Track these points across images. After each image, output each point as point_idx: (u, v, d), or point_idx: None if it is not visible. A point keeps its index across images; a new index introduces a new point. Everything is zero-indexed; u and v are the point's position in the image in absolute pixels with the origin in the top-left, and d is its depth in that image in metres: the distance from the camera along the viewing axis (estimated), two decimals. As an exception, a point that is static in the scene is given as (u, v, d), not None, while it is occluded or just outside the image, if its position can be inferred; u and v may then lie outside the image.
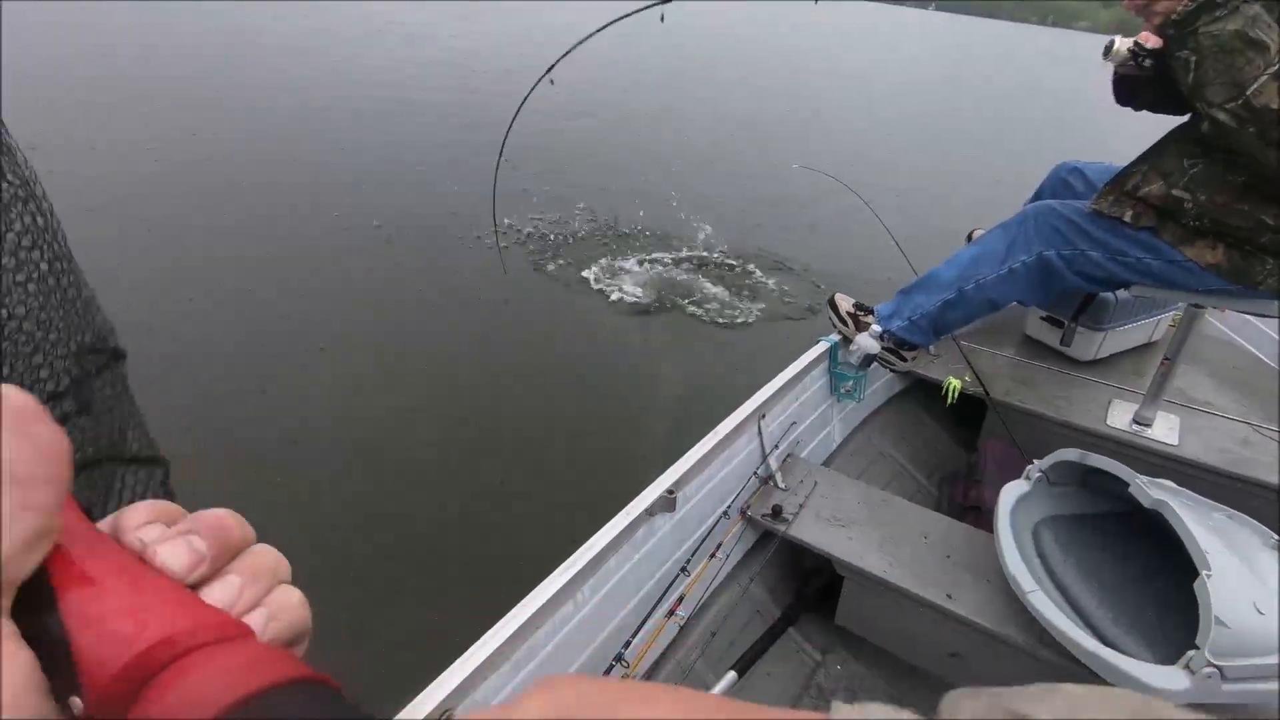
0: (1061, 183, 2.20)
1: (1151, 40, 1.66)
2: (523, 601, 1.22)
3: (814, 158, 8.10)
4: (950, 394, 2.29)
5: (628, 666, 1.32)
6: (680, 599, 1.50)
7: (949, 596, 1.55)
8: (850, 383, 2.16)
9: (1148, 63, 1.71)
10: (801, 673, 1.74)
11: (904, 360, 2.18)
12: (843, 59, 22.43)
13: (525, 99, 2.00)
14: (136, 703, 0.21)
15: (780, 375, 1.96)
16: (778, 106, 12.06)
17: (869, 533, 1.75)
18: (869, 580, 1.64)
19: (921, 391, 2.54)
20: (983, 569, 1.60)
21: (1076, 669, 1.34)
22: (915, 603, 1.58)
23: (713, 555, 1.63)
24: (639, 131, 8.83)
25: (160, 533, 0.25)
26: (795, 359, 2.05)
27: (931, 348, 2.51)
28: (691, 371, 3.70)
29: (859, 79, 17.98)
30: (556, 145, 7.10)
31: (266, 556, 0.26)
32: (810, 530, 1.75)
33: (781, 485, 1.87)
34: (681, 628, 1.53)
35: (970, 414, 2.47)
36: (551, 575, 1.27)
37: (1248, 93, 1.32)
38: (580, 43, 1.92)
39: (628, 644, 1.34)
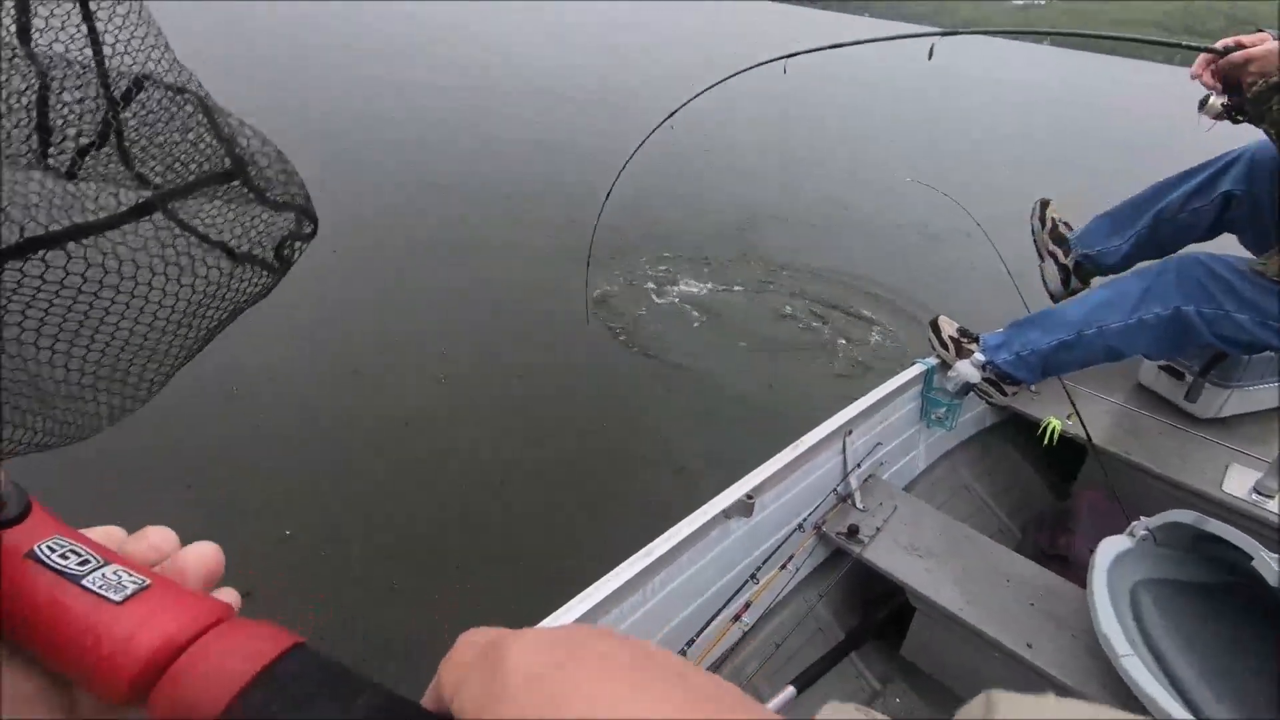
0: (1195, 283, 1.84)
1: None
2: (595, 584, 1.23)
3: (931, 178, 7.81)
4: (1049, 435, 2.17)
5: (689, 664, 1.32)
6: (747, 605, 1.49)
7: (1029, 646, 1.48)
8: (943, 410, 2.08)
9: (1240, 118, 1.60)
10: (859, 699, 1.70)
11: (1004, 395, 2.08)
12: (963, 94, 21.44)
13: (639, 145, 1.93)
14: (149, 701, 0.23)
15: (871, 393, 1.91)
16: (900, 134, 11.65)
17: (947, 566, 1.69)
18: (942, 615, 1.58)
19: (1016, 428, 2.42)
20: (1068, 622, 1.52)
21: None
22: (991, 646, 1.51)
23: (783, 566, 1.61)
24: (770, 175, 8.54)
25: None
26: (889, 377, 1.99)
27: (1033, 385, 2.39)
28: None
29: (983, 113, 17.13)
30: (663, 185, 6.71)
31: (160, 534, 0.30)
32: (885, 555, 1.70)
33: (860, 505, 1.82)
34: (745, 634, 1.52)
35: (1067, 458, 2.34)
36: (625, 562, 1.28)
37: None
38: (700, 93, 1.84)
39: (691, 641, 1.35)
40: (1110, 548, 1.49)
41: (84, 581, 0.25)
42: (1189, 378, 2.31)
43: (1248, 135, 1.70)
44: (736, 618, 1.47)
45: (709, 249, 5.18)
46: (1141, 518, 1.56)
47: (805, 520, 1.69)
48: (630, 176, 1.91)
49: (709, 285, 4.65)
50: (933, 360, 2.08)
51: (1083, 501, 2.12)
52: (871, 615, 1.80)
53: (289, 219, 0.40)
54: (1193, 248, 1.87)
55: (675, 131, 1.88)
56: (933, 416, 2.11)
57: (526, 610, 1.18)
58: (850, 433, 1.82)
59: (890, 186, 7.15)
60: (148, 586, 0.25)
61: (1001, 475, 2.41)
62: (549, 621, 1.15)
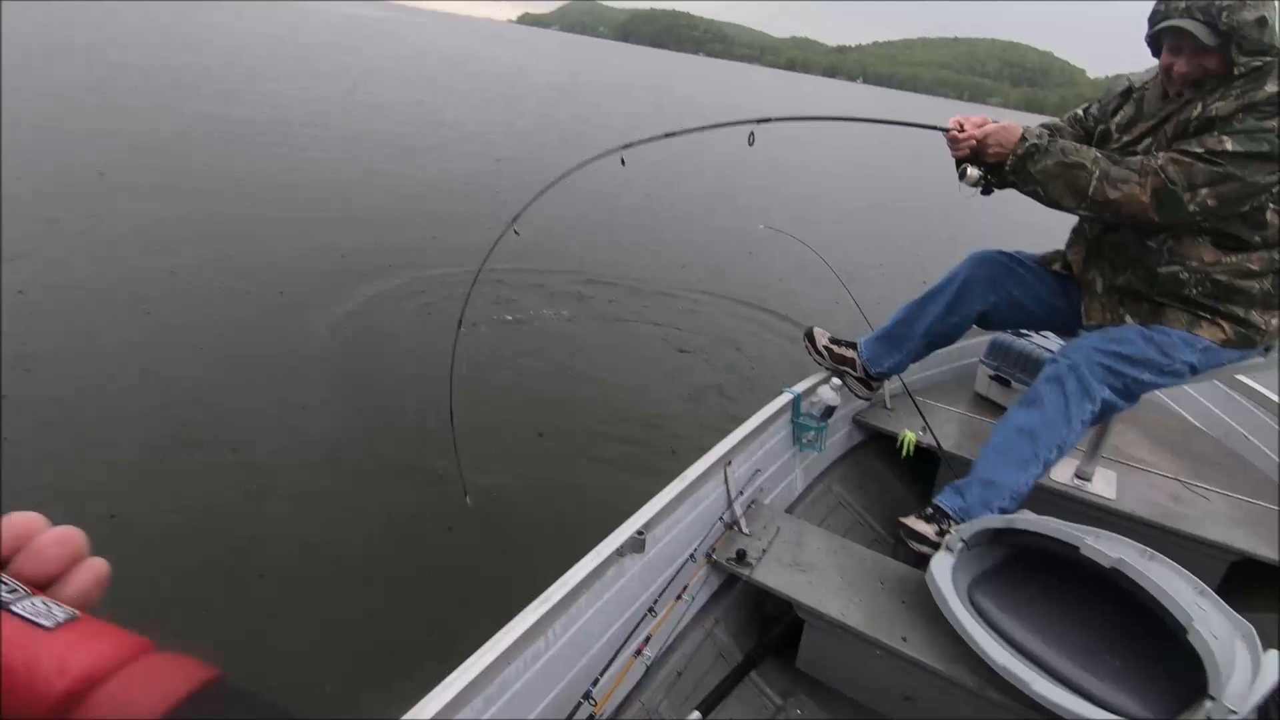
0: (1002, 268, 2.16)
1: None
2: (495, 637, 1.24)
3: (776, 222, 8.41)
4: (906, 447, 2.40)
5: (594, 705, 1.34)
6: (647, 639, 1.54)
7: (904, 639, 1.61)
8: (812, 433, 2.26)
9: (992, 180, 1.94)
10: (762, 716, 1.77)
11: (869, 390, 2.36)
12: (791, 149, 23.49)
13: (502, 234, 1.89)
14: None
15: (746, 424, 2.04)
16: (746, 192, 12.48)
17: (829, 578, 1.82)
18: (828, 624, 1.70)
19: (879, 443, 2.65)
20: (935, 614, 1.68)
21: (1026, 712, 1.41)
22: (872, 646, 1.63)
23: (679, 597, 1.67)
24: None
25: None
26: (760, 408, 2.14)
27: (888, 403, 2.64)
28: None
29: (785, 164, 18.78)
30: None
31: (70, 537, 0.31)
32: (773, 575, 1.81)
33: (746, 530, 1.93)
34: (648, 668, 1.56)
35: (925, 466, 2.58)
36: (524, 611, 1.30)
37: (1090, 195, 1.72)
38: (536, 197, 1.87)
39: (595, 681, 1.37)
40: (940, 565, 1.65)
41: (14, 608, 0.26)
42: (1014, 385, 2.63)
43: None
44: (638, 653, 1.51)
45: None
46: (954, 528, 1.75)
47: (696, 550, 1.76)
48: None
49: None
50: (797, 389, 2.26)
51: (941, 504, 2.34)
52: (766, 633, 1.89)
53: None
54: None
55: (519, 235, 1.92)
56: (804, 440, 2.28)
57: (425, 670, 1.18)
58: (730, 463, 1.93)
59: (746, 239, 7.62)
60: (77, 618, 0.26)
61: (872, 488, 2.62)
62: (454, 678, 1.15)
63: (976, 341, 2.97)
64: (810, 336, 2.43)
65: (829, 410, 2.20)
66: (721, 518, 1.89)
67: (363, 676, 2.07)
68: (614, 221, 7.51)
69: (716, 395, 4.13)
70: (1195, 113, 1.70)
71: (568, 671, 1.38)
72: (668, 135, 1.95)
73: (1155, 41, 1.78)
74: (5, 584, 0.27)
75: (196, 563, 2.37)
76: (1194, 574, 1.48)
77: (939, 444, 2.32)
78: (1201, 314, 1.82)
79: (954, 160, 1.94)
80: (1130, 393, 1.85)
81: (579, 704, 1.32)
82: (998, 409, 2.65)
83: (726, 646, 1.85)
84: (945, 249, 8.49)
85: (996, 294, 2.12)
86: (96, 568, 0.31)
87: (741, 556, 1.82)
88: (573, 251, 6.12)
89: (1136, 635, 1.46)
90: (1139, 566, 1.37)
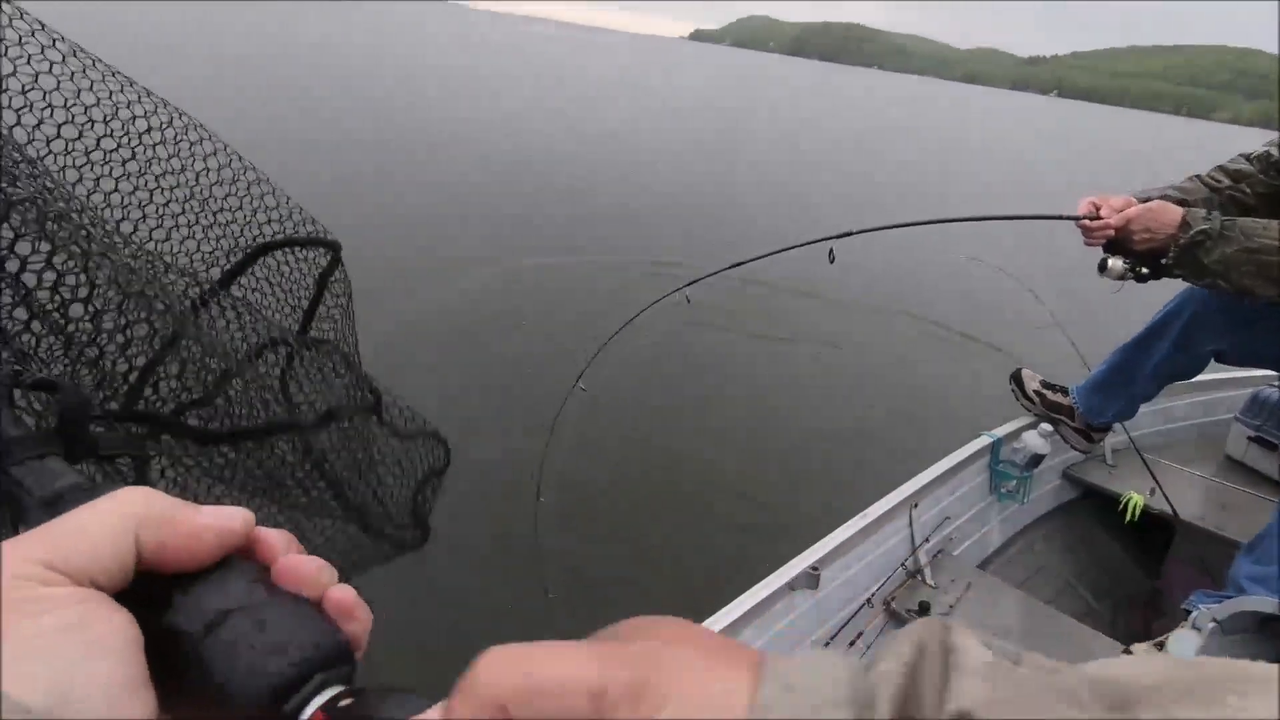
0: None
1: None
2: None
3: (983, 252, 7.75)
4: (1131, 511, 2.08)
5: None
6: (815, 683, 1.46)
7: None
8: (1013, 483, 2.03)
9: (1145, 271, 1.62)
10: None
11: (1090, 442, 2.11)
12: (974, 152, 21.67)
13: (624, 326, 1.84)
14: None
15: (936, 465, 1.89)
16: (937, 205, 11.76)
17: (1029, 648, 1.60)
18: None
19: (1095, 503, 2.32)
20: None
21: None
22: None
23: (852, 644, 1.57)
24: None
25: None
26: (954, 449, 1.97)
27: (1109, 458, 2.32)
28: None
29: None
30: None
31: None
32: None
33: (930, 582, 1.77)
34: (815, 714, 1.48)
35: (1155, 536, 2.22)
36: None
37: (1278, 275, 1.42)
38: (718, 271, 1.82)
39: None
40: (1183, 646, 1.40)
41: None
42: (1282, 448, 2.20)
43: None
44: (805, 695, 1.43)
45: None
46: (1201, 606, 1.47)
47: (874, 595, 1.65)
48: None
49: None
50: (998, 432, 2.05)
51: (1176, 581, 2.00)
52: (950, 699, 1.72)
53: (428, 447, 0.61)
54: None
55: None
56: (1003, 490, 2.06)
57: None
58: (916, 505, 1.79)
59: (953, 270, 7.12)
60: None
61: (1084, 553, 2.29)
62: None
63: (1231, 395, 2.52)
64: (1018, 380, 2.20)
65: (1036, 459, 1.97)
66: (904, 564, 1.75)
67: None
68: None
69: (903, 429, 3.89)
70: None
71: None
72: (734, 265, 1.81)
73: None
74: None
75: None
76: None
77: (1175, 511, 1.99)
78: None
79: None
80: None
81: None
82: (1257, 477, 2.21)
83: None
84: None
85: (1234, 327, 1.76)
86: (365, 615, 0.28)
87: (924, 609, 1.68)
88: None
89: None
90: None
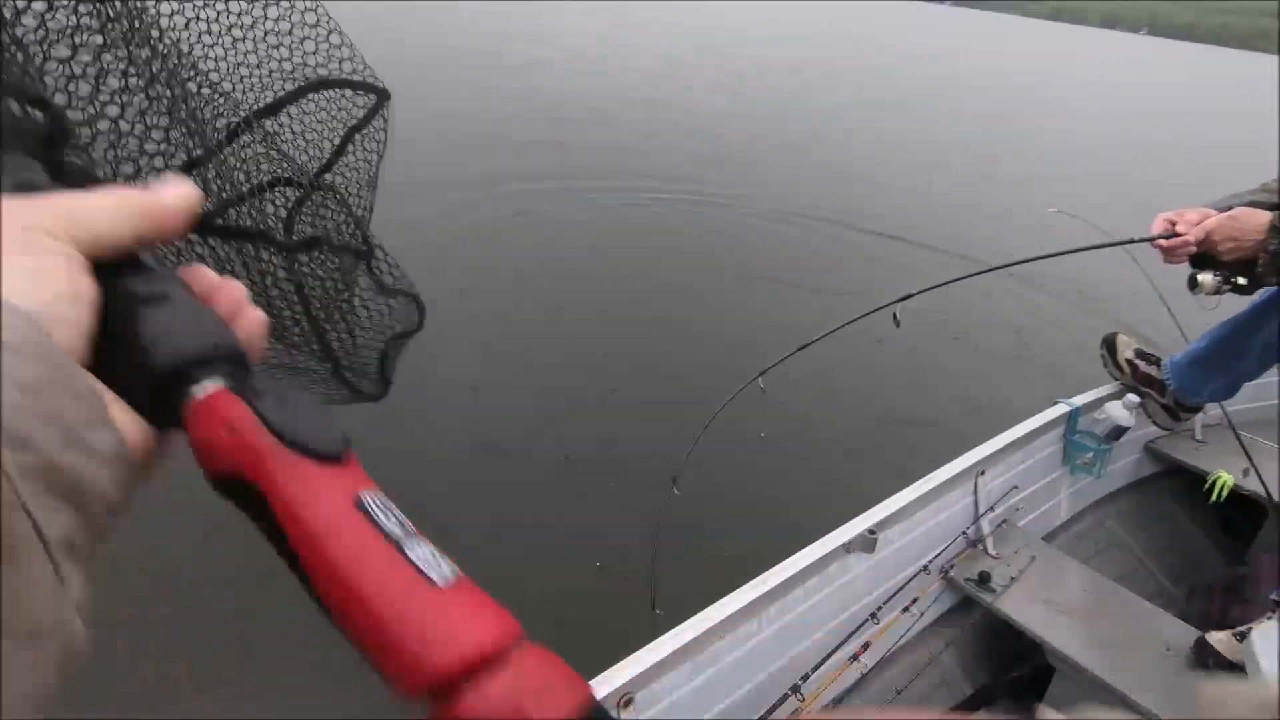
0: None
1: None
2: (709, 608, 1.23)
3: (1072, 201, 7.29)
4: (1218, 490, 1.95)
5: (802, 700, 1.27)
6: (866, 645, 1.43)
7: None
8: (1090, 455, 1.91)
9: (1243, 282, 1.48)
10: None
11: (1177, 420, 1.98)
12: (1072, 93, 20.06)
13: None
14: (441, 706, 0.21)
15: (1007, 433, 1.79)
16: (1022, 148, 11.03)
17: (1094, 626, 1.54)
18: (1089, 680, 1.44)
19: (1178, 480, 2.18)
20: None
21: None
22: (1143, 717, 1.36)
23: (906, 609, 1.53)
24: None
25: None
26: (1027, 417, 1.86)
27: (1199, 434, 2.16)
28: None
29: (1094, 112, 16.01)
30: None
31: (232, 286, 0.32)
32: (1021, 608, 1.58)
33: (992, 552, 1.70)
34: (863, 675, 1.45)
35: (1242, 518, 2.08)
36: (740, 589, 1.26)
37: None
38: (795, 352, 1.63)
39: (806, 677, 1.30)
40: (1269, 640, 1.30)
41: (407, 551, 0.23)
42: (1400, 433, 2.00)
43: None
44: (854, 657, 1.40)
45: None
46: None
47: (931, 562, 1.60)
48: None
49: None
50: (1076, 401, 1.93)
51: (1262, 568, 1.87)
52: (1005, 672, 1.67)
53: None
54: None
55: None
56: (1078, 462, 1.95)
57: (634, 625, 1.20)
58: (983, 473, 1.71)
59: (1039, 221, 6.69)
60: (459, 579, 0.23)
61: (1160, 532, 2.17)
62: (665, 640, 1.15)
63: (1342, 371, 2.31)
64: (1110, 345, 2.05)
65: (1118, 431, 1.85)
66: (965, 532, 1.69)
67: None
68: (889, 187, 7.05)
69: (982, 390, 3.74)
70: None
71: (777, 659, 1.33)
72: (801, 348, 1.63)
73: None
74: (393, 515, 0.24)
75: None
76: None
77: (1269, 493, 1.84)
78: None
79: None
80: None
81: (786, 696, 1.26)
82: (1366, 461, 2.03)
83: (954, 675, 1.66)
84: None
85: None
86: (258, 317, 0.32)
87: (984, 580, 1.61)
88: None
89: None
90: None
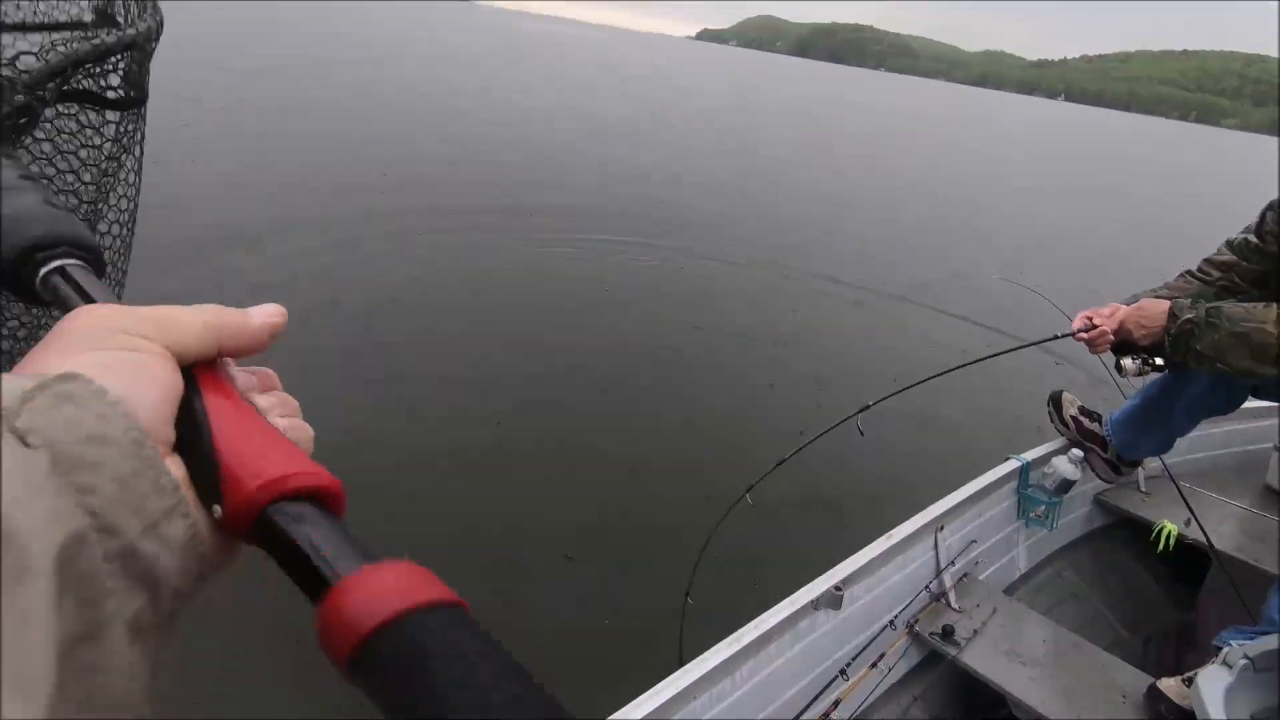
0: None
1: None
2: (685, 667, 1.26)
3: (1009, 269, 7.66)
4: (1164, 540, 2.05)
5: (776, 759, 1.30)
6: (836, 703, 1.46)
7: None
8: (1042, 508, 2.01)
9: (1159, 362, 1.69)
10: None
11: (1118, 474, 2.09)
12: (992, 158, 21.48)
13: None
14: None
15: (963, 488, 1.87)
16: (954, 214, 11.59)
17: (1055, 678, 1.59)
18: None
19: (1127, 531, 2.28)
20: None
21: None
22: None
23: (874, 665, 1.57)
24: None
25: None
26: (982, 473, 1.95)
27: (1142, 485, 2.28)
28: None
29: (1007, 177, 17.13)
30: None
31: (291, 401, 0.36)
32: (985, 661, 1.63)
33: (955, 605, 1.76)
34: (836, 733, 1.47)
35: (1190, 567, 2.18)
36: (714, 648, 1.30)
37: (1275, 356, 1.45)
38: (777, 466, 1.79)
39: (780, 736, 1.33)
40: (1212, 684, 1.37)
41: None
42: (1326, 481, 2.14)
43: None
44: (825, 715, 1.43)
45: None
46: (1232, 642, 1.44)
47: (897, 617, 1.64)
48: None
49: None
50: (1026, 457, 2.03)
51: (1210, 614, 1.95)
52: (972, 725, 1.70)
53: None
54: None
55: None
56: (1032, 515, 2.04)
57: (616, 690, 1.22)
58: (942, 528, 1.78)
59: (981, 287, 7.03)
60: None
61: (1115, 582, 2.25)
62: (643, 700, 1.18)
63: (1270, 424, 2.46)
64: (1057, 402, 2.18)
65: (1066, 484, 1.94)
66: (929, 586, 1.74)
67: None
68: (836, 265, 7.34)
69: (932, 449, 3.85)
70: None
71: (752, 717, 1.35)
72: (779, 463, 1.82)
73: None
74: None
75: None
76: None
77: (1210, 542, 1.95)
78: None
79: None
80: None
81: None
82: (1299, 510, 2.16)
83: None
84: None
85: None
86: (307, 432, 0.35)
87: (949, 634, 1.67)
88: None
89: None
90: None
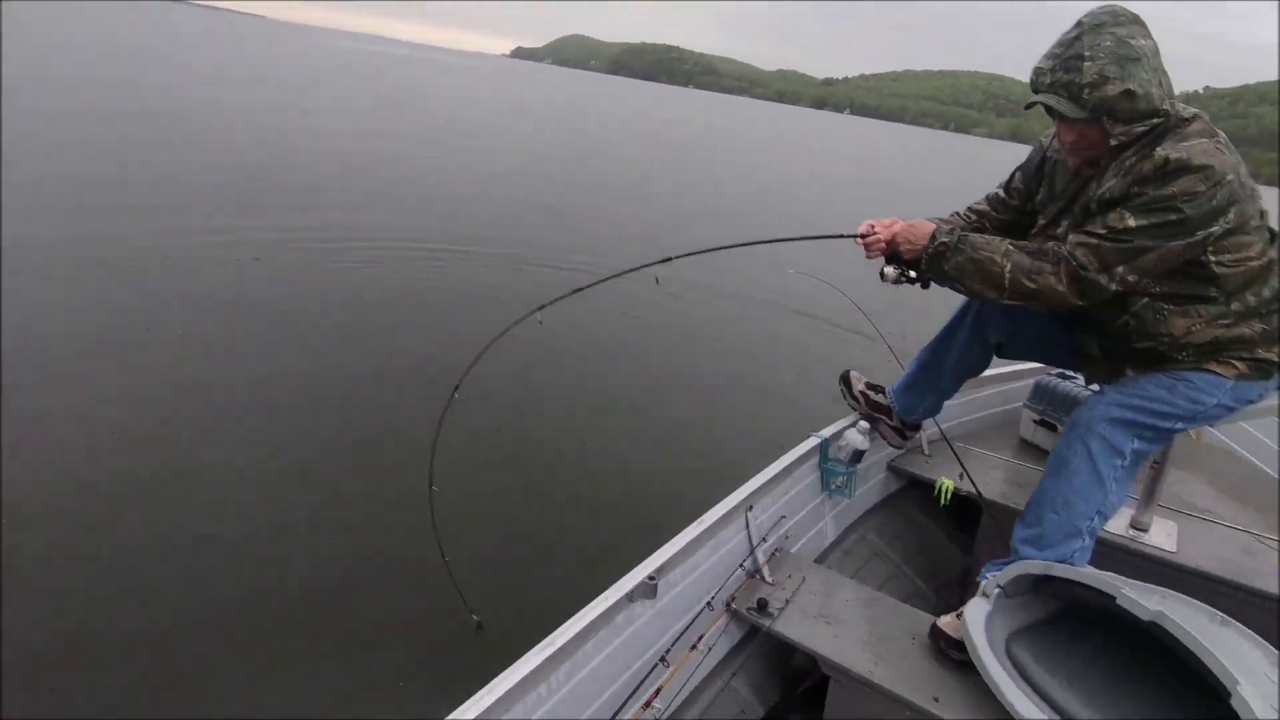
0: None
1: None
2: (496, 680, 1.21)
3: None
4: (943, 495, 2.30)
5: (599, 758, 1.29)
6: (658, 691, 1.48)
7: (935, 699, 1.51)
8: (841, 478, 2.18)
9: (914, 275, 1.88)
10: None
11: (903, 439, 2.29)
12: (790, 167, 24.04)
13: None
14: None
15: (769, 468, 1.99)
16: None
17: (857, 632, 1.72)
18: (854, 681, 1.60)
19: (917, 491, 2.54)
20: (973, 673, 1.57)
21: None
22: (902, 706, 1.53)
23: (694, 647, 1.61)
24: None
25: None
26: (785, 452, 2.08)
27: (925, 449, 2.54)
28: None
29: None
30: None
31: None
32: (797, 627, 1.73)
33: (769, 579, 1.86)
34: (659, 720, 1.50)
35: (968, 517, 2.46)
36: (526, 655, 1.27)
37: (1008, 287, 1.64)
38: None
39: (600, 734, 1.32)
40: (975, 613, 1.55)
41: None
42: (1060, 429, 2.51)
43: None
44: (647, 704, 1.45)
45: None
46: (988, 574, 1.65)
47: (714, 598, 1.70)
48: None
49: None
50: (825, 433, 2.20)
51: (983, 555, 2.21)
52: (790, 690, 1.80)
53: None
54: None
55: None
56: (833, 486, 2.21)
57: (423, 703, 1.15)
58: (752, 507, 1.88)
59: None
60: None
61: (910, 539, 2.50)
62: (460, 713, 1.12)
63: (1020, 385, 2.85)
64: (846, 380, 2.37)
65: (858, 455, 2.13)
66: (743, 565, 1.83)
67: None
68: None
69: (742, 437, 4.08)
70: (1094, 192, 1.61)
71: (574, 717, 1.34)
72: (576, 290, 2.03)
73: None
74: None
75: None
76: (1268, 636, 1.35)
77: (979, 492, 2.21)
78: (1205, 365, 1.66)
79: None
80: (1161, 439, 1.74)
81: None
82: (1044, 454, 2.51)
83: (747, 702, 1.76)
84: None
85: (1006, 320, 2.01)
86: None
87: (763, 606, 1.75)
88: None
89: (1186, 700, 1.33)
90: (1182, 620, 1.26)
